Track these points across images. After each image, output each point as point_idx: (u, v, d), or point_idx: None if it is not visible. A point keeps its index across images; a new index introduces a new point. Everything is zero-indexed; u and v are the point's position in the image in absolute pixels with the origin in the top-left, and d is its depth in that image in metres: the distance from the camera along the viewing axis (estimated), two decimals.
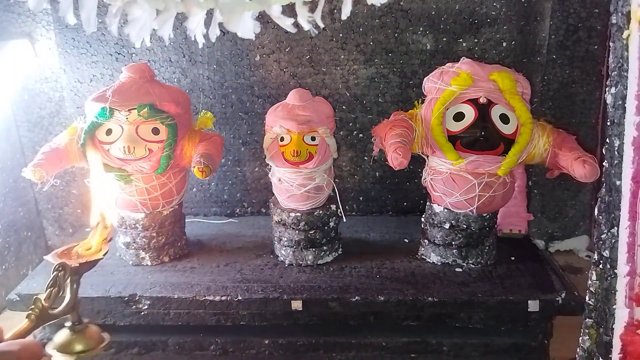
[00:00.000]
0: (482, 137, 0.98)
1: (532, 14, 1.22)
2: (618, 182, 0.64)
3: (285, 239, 1.11)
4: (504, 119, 0.99)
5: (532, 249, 1.17)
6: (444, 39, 1.25)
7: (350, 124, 1.32)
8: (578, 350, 0.75)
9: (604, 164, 0.69)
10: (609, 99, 0.66)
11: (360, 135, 1.33)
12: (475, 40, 1.25)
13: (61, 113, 1.34)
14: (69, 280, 0.54)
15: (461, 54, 1.23)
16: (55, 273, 0.54)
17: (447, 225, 1.06)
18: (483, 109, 0.99)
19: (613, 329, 0.67)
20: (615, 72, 0.64)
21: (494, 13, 1.22)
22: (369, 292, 1.00)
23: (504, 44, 1.24)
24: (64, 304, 0.54)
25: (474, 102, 0.99)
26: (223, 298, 0.99)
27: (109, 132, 1.03)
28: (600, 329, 0.70)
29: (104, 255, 0.59)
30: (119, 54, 1.29)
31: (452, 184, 1.03)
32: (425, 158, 1.09)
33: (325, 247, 1.11)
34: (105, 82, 1.30)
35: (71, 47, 1.29)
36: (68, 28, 1.28)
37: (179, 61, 1.30)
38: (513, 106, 0.99)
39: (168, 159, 1.05)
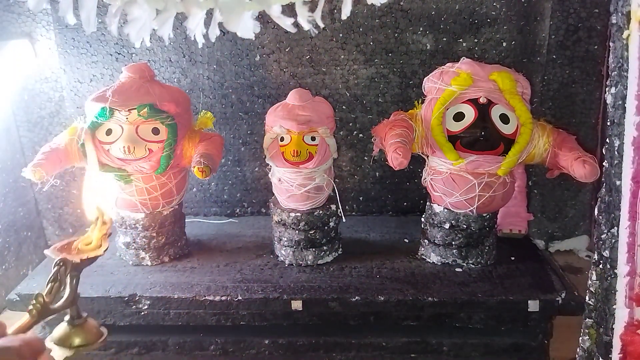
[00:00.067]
0: (482, 137, 0.98)
1: (532, 14, 1.22)
2: (618, 182, 0.64)
3: (285, 239, 1.11)
4: (504, 119, 0.99)
5: (532, 249, 1.17)
6: (444, 39, 1.25)
7: (350, 124, 1.32)
8: (578, 350, 0.75)
9: (604, 164, 0.69)
10: (609, 99, 0.66)
11: (360, 135, 1.33)
12: (475, 40, 1.25)
13: (61, 113, 1.34)
14: (69, 275, 0.55)
15: (461, 54, 1.23)
16: (56, 268, 0.54)
17: (447, 225, 1.06)
18: (483, 109, 0.99)
19: (613, 329, 0.67)
20: (615, 72, 0.64)
21: (494, 13, 1.22)
22: (369, 292, 1.00)
23: (504, 44, 1.24)
24: (63, 299, 0.55)
25: (474, 102, 0.99)
26: (223, 298, 0.99)
27: (109, 132, 1.03)
28: (600, 329, 0.70)
29: (105, 251, 0.59)
30: (119, 54, 1.30)
31: (452, 184, 1.03)
32: (425, 158, 1.09)
33: (325, 247, 1.11)
34: (105, 82, 1.30)
35: (71, 47, 1.29)
36: (68, 28, 1.28)
37: (179, 61, 1.30)
38: (513, 106, 0.99)
39: (168, 159, 1.05)
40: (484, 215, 1.05)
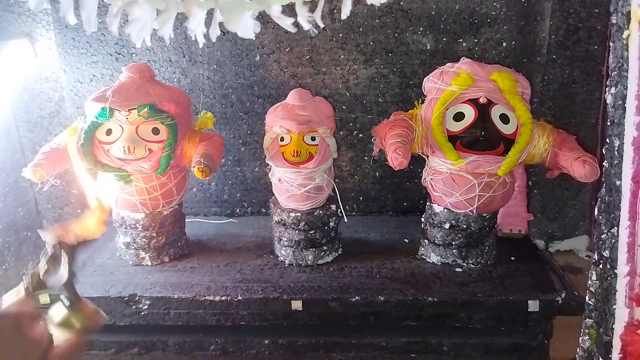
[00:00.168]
0: (482, 137, 0.98)
1: (532, 14, 1.22)
2: (618, 182, 0.64)
3: (285, 239, 1.11)
4: (504, 119, 0.99)
5: (532, 249, 1.17)
6: (444, 39, 1.25)
7: (350, 124, 1.32)
8: (578, 350, 0.75)
9: (604, 164, 0.69)
10: (609, 99, 0.66)
11: (360, 135, 1.33)
12: (475, 40, 1.25)
13: (61, 113, 1.34)
14: (64, 255, 0.56)
15: (461, 54, 1.23)
16: (52, 249, 0.55)
17: (447, 225, 1.06)
18: (483, 109, 0.99)
19: (613, 329, 0.67)
20: (615, 72, 0.64)
21: (494, 13, 1.22)
22: (369, 292, 1.00)
23: (504, 44, 1.24)
24: (58, 277, 0.56)
25: (474, 102, 0.99)
26: (223, 298, 0.99)
27: (109, 132, 1.03)
28: (600, 329, 0.70)
29: (101, 235, 0.60)
30: (119, 54, 1.29)
31: (452, 184, 1.03)
32: (425, 158, 1.09)
33: (325, 247, 1.11)
34: (105, 82, 1.30)
35: (71, 47, 1.29)
36: (68, 28, 1.28)
37: (179, 61, 1.30)
38: (513, 106, 0.99)
39: (168, 159, 1.05)
40: (484, 215, 1.05)
